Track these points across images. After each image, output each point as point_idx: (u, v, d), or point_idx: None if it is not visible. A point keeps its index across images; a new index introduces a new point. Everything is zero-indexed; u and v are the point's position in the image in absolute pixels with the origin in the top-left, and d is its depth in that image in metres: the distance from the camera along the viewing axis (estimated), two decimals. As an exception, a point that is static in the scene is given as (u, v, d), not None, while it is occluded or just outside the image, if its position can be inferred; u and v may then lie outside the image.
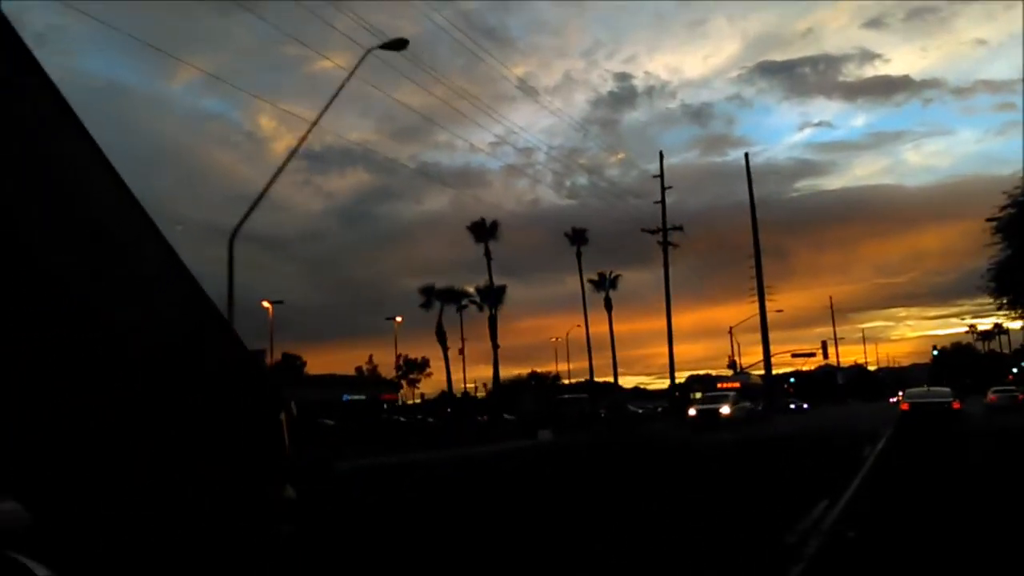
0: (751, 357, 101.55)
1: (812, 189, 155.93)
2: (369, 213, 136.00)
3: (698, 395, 48.04)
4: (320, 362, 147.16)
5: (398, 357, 79.59)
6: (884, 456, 16.79)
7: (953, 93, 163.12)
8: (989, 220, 30.54)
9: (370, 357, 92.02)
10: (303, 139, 23.40)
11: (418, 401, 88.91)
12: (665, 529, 8.42)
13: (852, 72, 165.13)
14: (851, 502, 9.61)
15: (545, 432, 37.02)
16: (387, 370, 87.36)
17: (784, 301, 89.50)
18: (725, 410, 37.78)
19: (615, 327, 68.46)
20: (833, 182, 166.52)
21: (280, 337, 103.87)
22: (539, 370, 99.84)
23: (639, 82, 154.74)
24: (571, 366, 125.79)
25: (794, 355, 78.28)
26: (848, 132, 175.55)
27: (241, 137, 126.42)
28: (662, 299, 55.94)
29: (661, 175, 56.52)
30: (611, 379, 70.80)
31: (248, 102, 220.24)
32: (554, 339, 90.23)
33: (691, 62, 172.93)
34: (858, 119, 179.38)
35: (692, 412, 39.77)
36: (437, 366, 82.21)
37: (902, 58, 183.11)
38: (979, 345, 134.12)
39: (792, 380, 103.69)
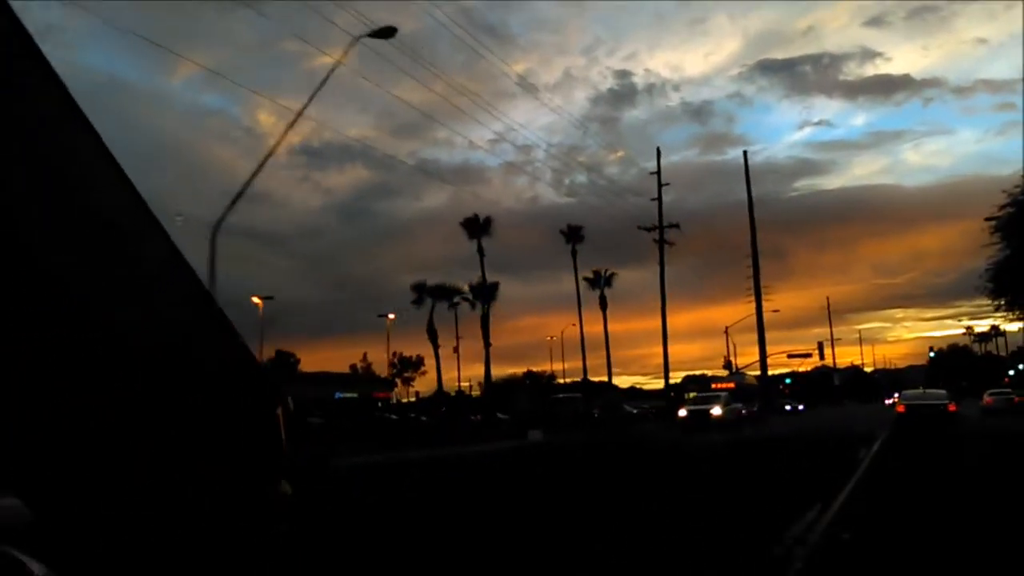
0: (747, 357, 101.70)
1: (811, 188, 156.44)
2: (368, 209, 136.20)
3: (692, 395, 47.44)
4: (315, 359, 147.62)
5: (392, 355, 79.31)
6: (879, 458, 16.73)
7: (953, 92, 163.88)
8: (988, 219, 30.35)
9: (364, 355, 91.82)
10: (289, 127, 23.51)
11: (413, 399, 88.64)
12: (637, 538, 8.03)
13: (852, 71, 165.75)
14: (845, 504, 9.54)
15: (535, 432, 36.24)
16: (382, 368, 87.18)
17: (781, 301, 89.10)
18: (716, 411, 36.98)
19: (611, 326, 68.31)
20: (832, 181, 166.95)
21: (274, 333, 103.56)
22: (535, 369, 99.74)
23: (639, 80, 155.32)
24: (567, 365, 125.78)
25: (790, 356, 78.27)
26: (848, 131, 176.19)
27: (240, 133, 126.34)
28: (658, 298, 55.61)
29: (658, 171, 56.02)
30: (606, 379, 70.60)
31: (248, 98, 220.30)
32: (550, 338, 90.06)
33: (691, 60, 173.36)
34: (858, 118, 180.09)
35: (682, 413, 38.69)
36: (432, 364, 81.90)
37: (903, 57, 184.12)
38: (976, 347, 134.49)
39: (788, 381, 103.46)
